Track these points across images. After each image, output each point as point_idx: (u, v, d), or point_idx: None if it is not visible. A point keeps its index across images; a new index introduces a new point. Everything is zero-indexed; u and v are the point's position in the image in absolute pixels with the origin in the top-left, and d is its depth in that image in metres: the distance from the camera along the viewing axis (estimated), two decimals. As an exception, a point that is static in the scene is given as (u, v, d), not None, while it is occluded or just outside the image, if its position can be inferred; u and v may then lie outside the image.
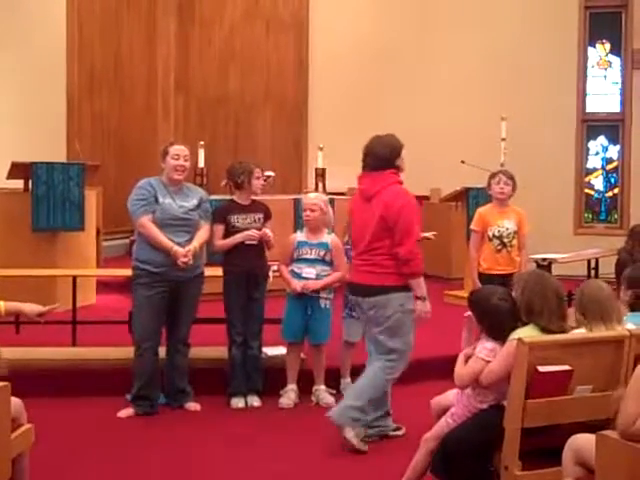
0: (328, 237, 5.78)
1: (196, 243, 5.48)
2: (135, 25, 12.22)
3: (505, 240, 6.29)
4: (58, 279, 7.55)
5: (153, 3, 12.54)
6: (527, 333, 3.84)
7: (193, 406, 5.61)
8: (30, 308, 4.06)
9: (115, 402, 5.58)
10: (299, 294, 5.67)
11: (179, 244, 5.42)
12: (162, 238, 5.38)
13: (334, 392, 5.86)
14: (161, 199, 5.44)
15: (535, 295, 3.91)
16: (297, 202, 7.87)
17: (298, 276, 5.71)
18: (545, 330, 3.86)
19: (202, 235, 5.58)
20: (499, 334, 3.97)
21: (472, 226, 6.44)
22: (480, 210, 6.47)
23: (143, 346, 5.48)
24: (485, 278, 6.11)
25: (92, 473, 4.52)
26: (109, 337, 6.41)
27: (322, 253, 5.74)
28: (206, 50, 12.89)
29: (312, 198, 5.85)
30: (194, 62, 12.89)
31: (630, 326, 4.05)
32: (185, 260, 5.36)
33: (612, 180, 11.61)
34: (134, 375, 5.51)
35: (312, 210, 5.73)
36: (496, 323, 4.00)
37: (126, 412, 5.48)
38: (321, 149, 10.08)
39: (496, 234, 6.28)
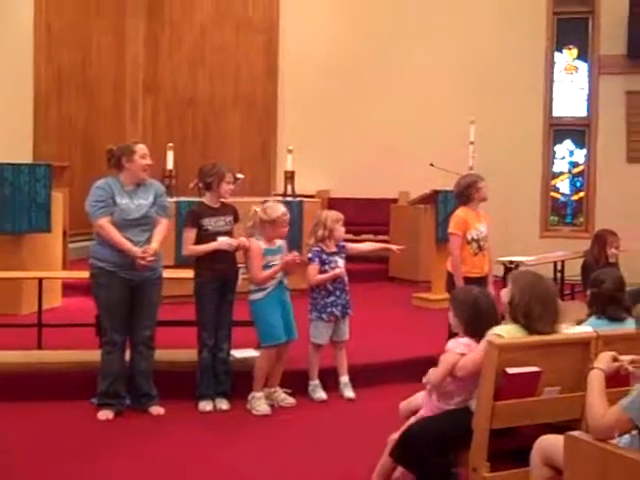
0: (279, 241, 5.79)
1: (154, 244, 5.43)
2: (104, 26, 12.11)
3: (481, 243, 6.35)
4: (24, 281, 7.47)
5: (122, 4, 12.45)
6: (507, 331, 3.86)
7: (156, 410, 5.55)
8: None
9: (81, 406, 5.52)
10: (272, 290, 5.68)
11: (139, 243, 5.39)
12: (121, 239, 5.33)
13: (290, 392, 5.86)
14: (119, 199, 5.39)
15: (535, 299, 3.91)
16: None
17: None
18: (536, 332, 3.87)
19: (160, 233, 5.51)
20: (475, 330, 3.99)
21: (453, 230, 6.37)
22: (459, 213, 6.43)
23: (111, 344, 5.44)
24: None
25: (56, 479, 4.46)
26: (75, 340, 6.34)
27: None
28: (175, 52, 12.82)
29: (284, 211, 5.76)
30: (163, 64, 12.82)
31: (583, 329, 4.14)
32: (144, 263, 5.33)
33: (578, 184, 11.73)
34: (101, 374, 5.47)
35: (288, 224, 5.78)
36: (473, 318, 4.02)
37: (105, 414, 5.42)
38: (290, 152, 10.06)
39: (474, 237, 6.33)
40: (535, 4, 11.41)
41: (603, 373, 3.20)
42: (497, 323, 3.96)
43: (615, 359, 3.26)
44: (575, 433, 3.18)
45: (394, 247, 6.51)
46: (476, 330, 4.01)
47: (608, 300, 4.48)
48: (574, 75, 11.73)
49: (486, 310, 4.05)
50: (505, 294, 4.04)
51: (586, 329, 4.16)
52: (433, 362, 4.11)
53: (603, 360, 3.26)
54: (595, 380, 3.18)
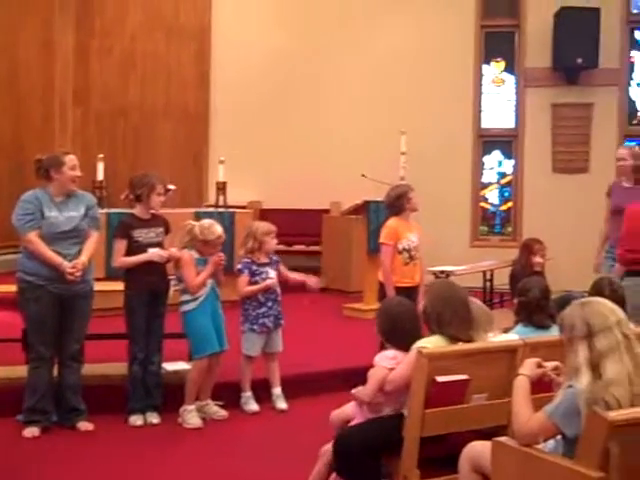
0: None
1: (84, 258, 5.33)
2: (32, 33, 11.87)
3: (412, 253, 6.41)
4: (-54, 296, 7.27)
5: (50, 12, 12.23)
6: (433, 342, 3.91)
7: (85, 426, 5.44)
8: None
9: (7, 423, 5.38)
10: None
11: (69, 256, 5.28)
12: (50, 254, 5.23)
13: (222, 404, 5.82)
14: (47, 212, 5.29)
15: (444, 305, 3.99)
16: (197, 215, 7.80)
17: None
18: (454, 339, 3.94)
19: (90, 247, 5.42)
20: (398, 341, 4.03)
21: (384, 240, 6.42)
22: (391, 224, 6.48)
23: (39, 359, 5.33)
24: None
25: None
26: (1, 355, 6.18)
27: None
28: (106, 60, 12.64)
29: (220, 234, 5.74)
30: (93, 72, 12.62)
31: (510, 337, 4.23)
32: (72, 278, 5.24)
33: (506, 194, 11.96)
34: (29, 389, 5.34)
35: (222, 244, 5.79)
36: (396, 329, 4.07)
37: (31, 431, 5.28)
38: (222, 162, 10.02)
39: (406, 247, 6.39)
40: (463, 17, 11.61)
41: (528, 379, 3.27)
42: (419, 336, 4.01)
43: (540, 365, 3.34)
44: (502, 439, 3.23)
45: (311, 282, 6.32)
46: (396, 341, 4.05)
47: (534, 308, 4.57)
48: (502, 87, 11.96)
49: (407, 323, 4.08)
50: (422, 304, 4.13)
51: (513, 337, 4.25)
52: (365, 372, 4.13)
53: (528, 366, 3.33)
54: (520, 386, 3.25)
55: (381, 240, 6.48)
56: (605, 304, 3.16)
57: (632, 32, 11.53)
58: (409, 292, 5.95)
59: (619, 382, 2.97)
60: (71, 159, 5.40)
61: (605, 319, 3.07)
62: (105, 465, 4.86)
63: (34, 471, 4.74)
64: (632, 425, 2.80)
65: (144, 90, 12.64)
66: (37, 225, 5.25)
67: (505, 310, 7.95)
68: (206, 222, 5.80)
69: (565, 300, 4.22)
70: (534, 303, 4.57)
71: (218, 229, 5.73)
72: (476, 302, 4.25)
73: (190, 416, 5.58)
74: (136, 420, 5.57)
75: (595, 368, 3.00)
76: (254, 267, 5.95)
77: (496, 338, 4.17)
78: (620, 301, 4.06)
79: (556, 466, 2.96)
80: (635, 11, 11.54)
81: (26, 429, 5.29)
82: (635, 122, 11.60)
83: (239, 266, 6.00)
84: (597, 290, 4.53)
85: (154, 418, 5.62)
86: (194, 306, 5.63)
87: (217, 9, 12.49)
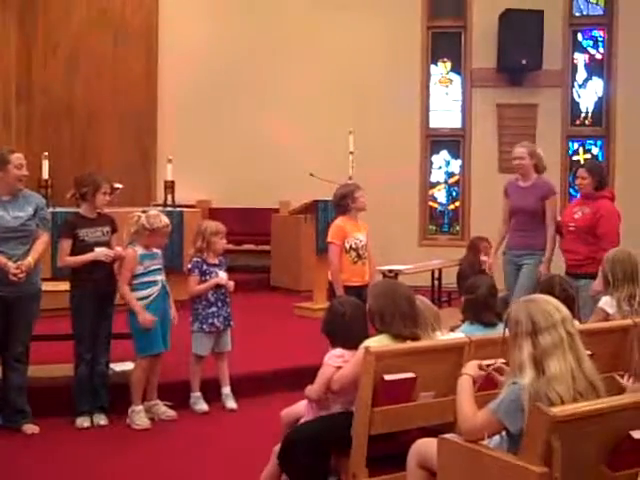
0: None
1: (30, 258, 5.27)
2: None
3: (360, 252, 6.45)
4: None
5: (-8, 8, 12.02)
6: (378, 341, 3.94)
7: (30, 428, 5.38)
8: None
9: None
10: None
11: (16, 256, 5.22)
12: None
13: (170, 404, 5.80)
14: None
15: (386, 303, 4.01)
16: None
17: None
18: (398, 337, 3.96)
19: (39, 248, 5.36)
20: (340, 339, 4.06)
21: (331, 239, 6.46)
22: (338, 223, 6.53)
23: None
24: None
25: None
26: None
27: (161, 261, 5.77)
28: (51, 58, 12.45)
29: (166, 223, 5.72)
30: (38, 70, 12.42)
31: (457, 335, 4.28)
32: (15, 279, 5.16)
33: (454, 193, 12.08)
34: None
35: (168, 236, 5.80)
36: (337, 328, 4.09)
37: None
38: (170, 161, 9.95)
39: (353, 246, 6.43)
40: (410, 19, 11.70)
41: (471, 378, 3.32)
42: (365, 335, 4.04)
43: (480, 367, 3.39)
44: (448, 436, 3.27)
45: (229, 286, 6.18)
46: (337, 339, 4.07)
47: (482, 306, 4.63)
48: (449, 87, 12.08)
49: (350, 321, 4.10)
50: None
51: (459, 335, 4.30)
52: (315, 371, 4.15)
53: (470, 367, 3.39)
54: (464, 385, 3.30)
55: (328, 239, 6.52)
56: (550, 302, 3.19)
57: (575, 34, 11.75)
58: (358, 291, 5.99)
59: (562, 379, 3.02)
60: (17, 157, 5.34)
61: (550, 316, 3.11)
62: (51, 468, 4.80)
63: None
64: (574, 420, 2.86)
65: (90, 88, 12.47)
66: None
67: (453, 308, 8.05)
68: (152, 212, 5.82)
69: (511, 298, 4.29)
70: (481, 301, 4.63)
71: (165, 218, 5.73)
72: (423, 300, 4.29)
73: (138, 417, 5.55)
74: (83, 422, 5.52)
75: (539, 365, 3.05)
76: (204, 267, 5.93)
77: (443, 336, 4.22)
78: (570, 300, 4.13)
79: (500, 461, 3.01)
80: (578, 14, 11.77)
81: None
82: (578, 123, 11.83)
83: (189, 265, 5.98)
84: (547, 288, 4.59)
85: (102, 419, 5.57)
86: (142, 304, 5.59)
87: (164, 7, 12.39)
